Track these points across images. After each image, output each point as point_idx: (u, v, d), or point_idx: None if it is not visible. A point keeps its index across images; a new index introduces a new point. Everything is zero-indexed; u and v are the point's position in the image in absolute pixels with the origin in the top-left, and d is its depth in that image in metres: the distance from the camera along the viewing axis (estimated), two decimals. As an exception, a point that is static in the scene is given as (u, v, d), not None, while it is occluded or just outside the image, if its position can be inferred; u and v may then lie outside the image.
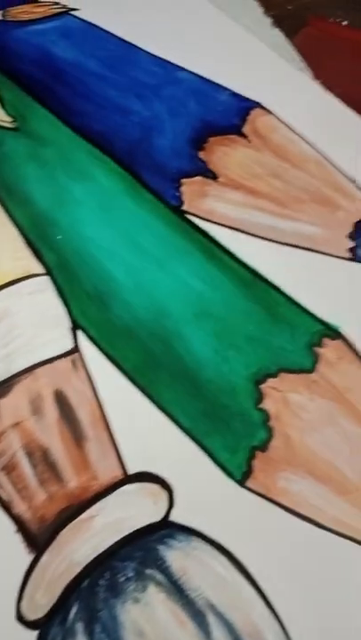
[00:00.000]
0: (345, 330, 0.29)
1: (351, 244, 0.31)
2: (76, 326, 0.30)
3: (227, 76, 0.37)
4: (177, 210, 0.33)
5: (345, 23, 0.52)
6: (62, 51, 0.39)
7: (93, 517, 0.25)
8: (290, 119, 0.35)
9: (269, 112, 0.36)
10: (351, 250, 0.31)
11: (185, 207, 0.33)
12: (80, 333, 0.29)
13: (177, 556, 0.24)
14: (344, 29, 0.52)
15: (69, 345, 0.29)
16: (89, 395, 0.28)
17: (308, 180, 0.33)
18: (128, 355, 0.29)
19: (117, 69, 0.38)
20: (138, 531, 0.25)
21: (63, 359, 0.29)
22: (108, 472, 0.26)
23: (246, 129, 0.35)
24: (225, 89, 0.37)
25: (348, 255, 0.31)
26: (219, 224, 0.32)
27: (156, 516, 0.25)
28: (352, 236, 0.31)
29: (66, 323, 0.30)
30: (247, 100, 0.36)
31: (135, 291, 0.30)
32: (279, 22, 0.51)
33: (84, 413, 0.27)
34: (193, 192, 0.33)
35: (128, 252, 0.32)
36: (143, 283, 0.31)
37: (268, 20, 0.40)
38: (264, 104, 0.36)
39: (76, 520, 0.25)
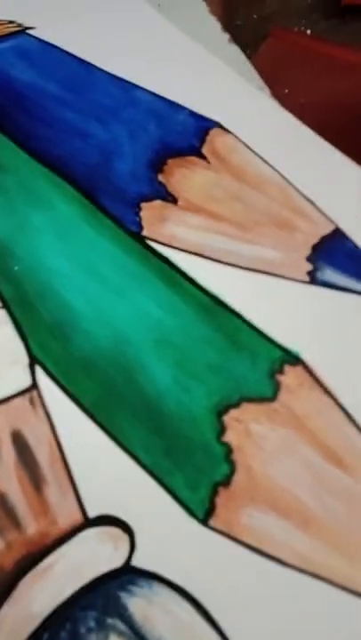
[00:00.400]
0: (305, 355, 0.28)
1: (310, 267, 0.31)
2: (34, 361, 0.29)
3: (185, 95, 0.36)
4: (137, 235, 0.32)
5: (308, 32, 0.52)
6: (20, 73, 0.38)
7: (53, 565, 0.25)
8: (249, 139, 0.35)
9: (228, 132, 0.35)
10: (310, 273, 0.31)
11: (145, 232, 0.32)
12: (38, 369, 0.29)
13: (139, 603, 0.24)
14: (308, 39, 0.52)
15: (27, 382, 0.28)
16: (48, 434, 0.27)
17: (268, 202, 0.33)
18: (88, 388, 0.28)
19: (76, 91, 0.37)
20: (99, 577, 0.24)
21: (20, 397, 0.28)
22: (68, 516, 0.25)
23: (205, 150, 0.35)
24: (183, 108, 0.36)
25: (307, 278, 0.31)
26: (179, 249, 0.32)
27: (118, 562, 0.25)
28: (311, 259, 0.31)
29: (24, 358, 0.29)
30: (206, 119, 0.36)
31: (95, 320, 0.30)
32: (242, 32, 0.51)
33: (43, 455, 0.26)
34: (152, 217, 0.33)
35: (88, 281, 0.31)
36: (103, 311, 0.30)
37: (226, 37, 0.40)
38: (223, 123, 0.36)
39: (35, 568, 0.24)
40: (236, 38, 0.49)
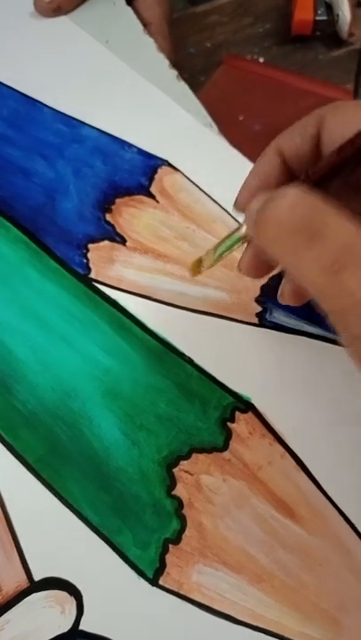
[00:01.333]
0: (255, 400, 0.28)
1: (259, 308, 0.31)
2: (-24, 415, 0.28)
3: (133, 132, 0.36)
4: (84, 278, 0.32)
5: (261, 60, 0.52)
6: None
7: (-3, 633, 0.24)
8: (197, 177, 0.34)
9: (177, 169, 0.35)
10: (258, 315, 0.31)
11: (92, 275, 0.32)
12: (-19, 423, 0.28)
13: (86, 670, 0.23)
14: (260, 66, 0.52)
15: (-31, 437, 0.27)
16: (-10, 494, 0.26)
17: (215, 241, 0.32)
18: (32, 444, 0.27)
19: (21, 128, 0.36)
20: (45, 644, 0.23)
21: None
22: (13, 580, 0.24)
23: (153, 188, 0.34)
24: (131, 146, 0.36)
25: (255, 320, 0.30)
26: (128, 292, 0.31)
27: (65, 626, 0.24)
28: (259, 300, 0.31)
29: (-34, 412, 0.28)
30: (154, 157, 0.35)
31: (40, 371, 0.29)
32: (195, 59, 0.51)
33: (-15, 516, 0.26)
34: (100, 258, 0.32)
35: (32, 329, 0.30)
36: (49, 361, 0.29)
37: (174, 73, 0.40)
38: (171, 161, 0.35)
39: (-22, 638, 0.24)
40: (189, 65, 0.49)
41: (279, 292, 0.27)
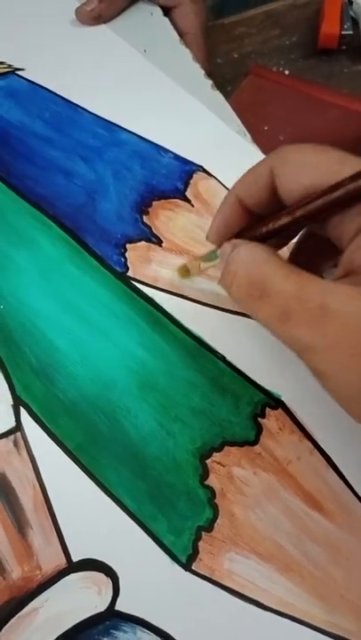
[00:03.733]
0: (286, 398, 0.29)
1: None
2: (18, 402, 0.29)
3: (169, 138, 0.37)
4: (122, 276, 0.33)
5: (286, 72, 0.54)
6: (6, 112, 0.38)
7: (37, 610, 0.25)
8: (230, 183, 0.35)
9: (211, 175, 0.36)
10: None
11: (130, 273, 0.33)
12: (22, 410, 0.29)
13: (122, 648, 0.24)
14: (286, 77, 0.53)
15: (11, 423, 0.28)
16: (31, 477, 0.27)
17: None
18: (72, 432, 0.28)
19: (62, 131, 0.38)
20: (83, 622, 0.24)
21: (4, 439, 0.28)
22: (52, 561, 0.26)
23: (189, 193, 0.36)
24: (167, 151, 0.37)
25: (288, 323, 0.31)
26: (164, 290, 0.33)
27: (101, 606, 0.25)
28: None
29: (8, 399, 0.29)
30: (189, 162, 0.37)
31: (80, 362, 0.30)
32: (223, 69, 0.52)
33: (27, 498, 0.27)
34: (138, 257, 0.34)
35: (72, 322, 0.31)
36: (88, 353, 0.30)
37: (209, 82, 0.41)
38: (206, 167, 0.37)
39: (19, 614, 0.25)
40: (217, 75, 0.50)
41: None
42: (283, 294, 0.21)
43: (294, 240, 0.27)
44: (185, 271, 0.32)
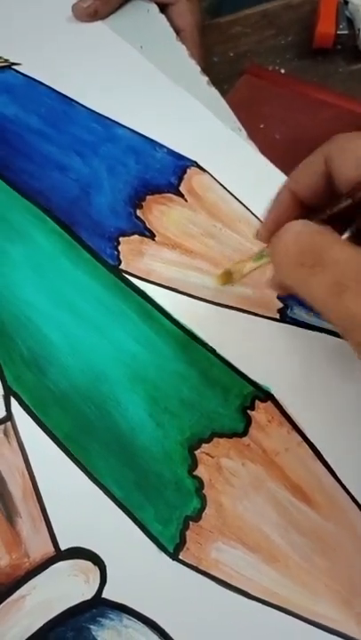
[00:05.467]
0: (275, 391, 0.30)
1: (280, 304, 0.32)
2: (9, 393, 0.29)
3: (164, 134, 0.38)
4: (115, 269, 0.33)
5: (282, 71, 0.54)
6: (3, 106, 0.39)
7: (24, 597, 0.25)
8: (224, 178, 0.36)
9: (205, 171, 0.37)
10: (280, 311, 0.32)
11: (123, 266, 0.33)
12: (13, 400, 0.29)
13: (109, 635, 0.24)
14: (282, 77, 0.54)
15: (2, 413, 0.29)
16: (21, 466, 0.27)
17: (240, 239, 0.34)
18: (62, 422, 0.29)
19: (58, 126, 0.38)
20: (70, 610, 0.25)
21: (-5, 429, 0.28)
22: (40, 549, 0.26)
23: (182, 188, 0.36)
24: (162, 146, 0.37)
25: (277, 316, 0.32)
26: (156, 284, 0.33)
27: (88, 594, 0.25)
28: (281, 297, 0.32)
29: (-1, 390, 0.29)
30: (184, 158, 0.37)
31: (72, 354, 0.30)
32: (219, 68, 0.53)
33: (16, 487, 0.27)
34: (131, 251, 0.34)
35: (65, 315, 0.32)
36: (80, 345, 0.31)
37: (205, 79, 0.41)
38: (200, 162, 0.37)
39: (7, 601, 0.25)
40: (213, 74, 0.50)
41: (268, 280, 0.29)
42: (340, 263, 0.20)
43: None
44: (227, 277, 0.31)
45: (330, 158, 0.24)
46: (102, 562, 0.25)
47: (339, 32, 0.52)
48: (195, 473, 0.27)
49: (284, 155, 0.45)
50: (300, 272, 0.21)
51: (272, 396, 0.30)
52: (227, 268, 0.31)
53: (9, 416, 0.29)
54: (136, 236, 0.34)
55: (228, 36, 0.55)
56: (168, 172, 0.36)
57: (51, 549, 0.26)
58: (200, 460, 0.28)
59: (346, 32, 0.52)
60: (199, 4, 0.48)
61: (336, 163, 0.24)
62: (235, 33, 0.55)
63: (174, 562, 0.26)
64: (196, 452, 0.28)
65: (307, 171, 0.25)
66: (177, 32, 0.44)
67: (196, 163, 0.37)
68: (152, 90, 0.40)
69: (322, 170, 0.25)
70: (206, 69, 0.47)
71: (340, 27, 0.52)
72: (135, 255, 0.34)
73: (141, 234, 0.34)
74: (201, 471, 0.28)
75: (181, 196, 0.36)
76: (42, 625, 0.24)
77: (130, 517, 0.26)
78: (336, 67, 0.53)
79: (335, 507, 0.27)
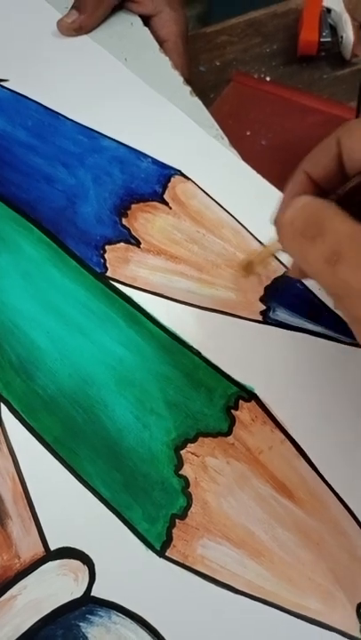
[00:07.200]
0: (258, 391, 0.30)
1: (263, 307, 0.33)
2: (-1, 399, 0.30)
3: (148, 144, 0.39)
4: (101, 276, 0.34)
5: (268, 78, 0.55)
6: (-11, 120, 0.40)
7: (15, 597, 0.26)
8: (207, 186, 0.37)
9: (188, 179, 0.38)
10: (262, 313, 0.33)
11: (109, 273, 0.34)
12: (3, 406, 0.30)
13: (98, 632, 0.25)
14: (267, 84, 0.55)
15: (-8, 419, 0.29)
16: (11, 470, 0.28)
17: (224, 245, 0.35)
18: (51, 426, 0.29)
19: (44, 138, 0.39)
20: (59, 608, 0.25)
21: (-15, 434, 0.29)
22: (30, 550, 0.26)
23: (167, 196, 0.37)
24: (146, 156, 0.38)
25: (260, 318, 0.33)
26: (141, 289, 0.34)
27: (78, 592, 0.26)
28: (263, 300, 0.33)
29: (-11, 396, 0.30)
30: (168, 167, 0.38)
31: (59, 359, 0.31)
32: (206, 77, 0.54)
33: (6, 490, 0.28)
34: (116, 258, 0.35)
35: (52, 321, 0.32)
36: (67, 350, 0.31)
37: (188, 89, 0.42)
38: (184, 171, 0.38)
39: (-2, 601, 0.25)
40: (200, 82, 0.51)
41: (290, 267, 0.29)
42: (337, 233, 0.21)
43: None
44: (249, 267, 0.32)
45: (340, 141, 0.25)
46: (91, 561, 0.26)
47: (322, 39, 0.53)
48: (181, 472, 0.28)
49: (270, 160, 0.46)
50: (302, 241, 0.22)
51: (255, 395, 0.30)
52: (247, 258, 0.32)
53: (-1, 421, 0.29)
54: (122, 244, 0.35)
55: (214, 45, 0.56)
56: (153, 181, 0.37)
57: (41, 550, 0.26)
58: (186, 459, 0.28)
59: (329, 39, 0.53)
60: (184, 13, 0.49)
61: (346, 145, 0.25)
62: (221, 42, 0.56)
63: (161, 559, 0.26)
64: (182, 452, 0.29)
65: (320, 153, 0.26)
66: (161, 42, 0.45)
67: (179, 171, 0.38)
68: (136, 101, 0.41)
69: (335, 152, 0.26)
70: (193, 78, 0.48)
71: (324, 34, 0.53)
72: (121, 262, 0.35)
73: (127, 241, 0.35)
74: (187, 470, 0.28)
75: (166, 203, 0.37)
76: (32, 624, 0.25)
77: (118, 517, 0.27)
78: (321, 73, 0.54)
79: (318, 502, 0.28)
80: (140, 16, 0.46)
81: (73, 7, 0.44)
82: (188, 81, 0.43)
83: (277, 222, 0.24)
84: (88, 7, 0.44)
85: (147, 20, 0.47)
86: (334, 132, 0.26)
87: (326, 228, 0.21)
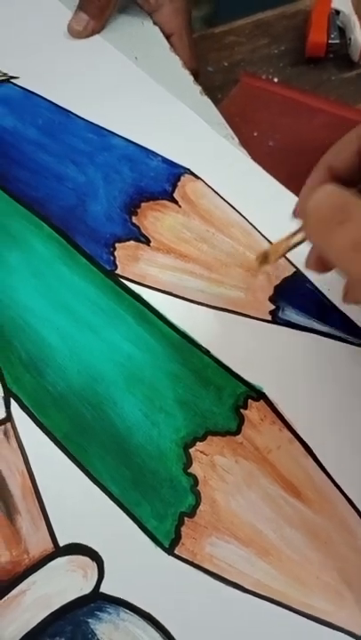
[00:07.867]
0: (267, 390, 0.30)
1: (272, 306, 0.33)
2: (8, 394, 0.30)
3: (158, 142, 0.39)
4: (111, 274, 0.34)
5: (275, 80, 0.55)
6: (1, 119, 0.40)
7: (24, 592, 0.26)
8: (217, 185, 0.37)
9: (198, 178, 0.38)
10: (272, 312, 0.33)
11: (118, 271, 0.34)
12: (13, 402, 0.30)
13: (106, 628, 0.25)
14: (275, 85, 0.55)
15: (1, 414, 0.30)
16: (20, 466, 0.28)
17: (233, 244, 0.35)
18: (60, 422, 0.29)
19: (54, 136, 0.39)
20: (68, 604, 0.25)
21: (-5, 430, 0.29)
22: (39, 545, 0.27)
23: (177, 194, 0.37)
24: (156, 155, 0.38)
25: (269, 318, 0.33)
26: (151, 287, 0.34)
27: (86, 589, 0.26)
28: (273, 299, 0.33)
29: (-1, 392, 0.30)
30: (177, 166, 0.38)
31: (69, 356, 0.31)
32: (214, 77, 0.54)
33: (16, 486, 0.28)
34: (126, 256, 0.35)
35: (62, 319, 0.32)
36: (76, 348, 0.32)
37: (198, 88, 0.42)
38: (193, 170, 0.38)
39: (7, 596, 0.25)
40: (208, 82, 0.51)
41: (305, 260, 0.29)
42: None
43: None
44: (264, 259, 0.31)
45: (359, 136, 0.25)
46: (100, 557, 0.26)
47: (331, 41, 0.53)
48: (189, 470, 0.28)
49: (277, 161, 0.46)
50: (328, 227, 0.22)
51: (264, 395, 0.30)
52: (263, 250, 0.32)
53: (9, 417, 0.29)
54: (132, 242, 0.35)
55: (222, 46, 0.56)
56: (162, 180, 0.37)
57: (50, 546, 0.26)
58: (195, 457, 0.29)
59: (337, 41, 0.53)
60: (185, 3, 0.48)
61: None
62: (229, 42, 0.57)
63: (170, 557, 0.26)
64: (191, 450, 0.29)
65: (342, 146, 0.27)
66: (167, 38, 0.45)
67: (189, 170, 0.38)
68: (147, 100, 0.41)
69: (356, 143, 0.26)
70: (201, 78, 0.48)
71: (332, 36, 0.53)
72: (131, 260, 0.35)
73: (137, 239, 0.35)
74: (195, 469, 0.28)
75: (175, 202, 0.37)
76: (41, 619, 0.25)
77: (127, 514, 0.27)
78: (329, 74, 0.54)
79: (326, 501, 0.28)
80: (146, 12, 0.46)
81: (79, 8, 0.44)
82: (196, 74, 0.43)
83: (302, 210, 0.24)
84: (96, 9, 0.44)
85: (151, 16, 0.47)
86: (355, 128, 0.26)
87: (354, 214, 0.22)
